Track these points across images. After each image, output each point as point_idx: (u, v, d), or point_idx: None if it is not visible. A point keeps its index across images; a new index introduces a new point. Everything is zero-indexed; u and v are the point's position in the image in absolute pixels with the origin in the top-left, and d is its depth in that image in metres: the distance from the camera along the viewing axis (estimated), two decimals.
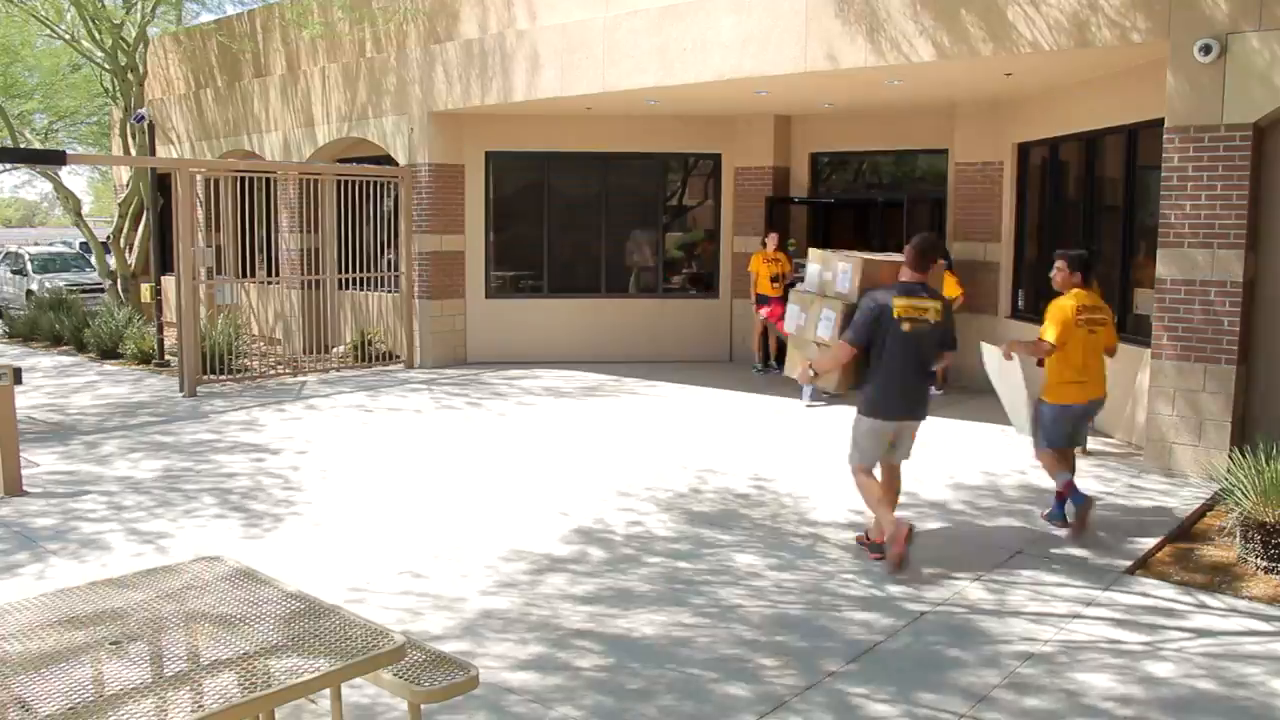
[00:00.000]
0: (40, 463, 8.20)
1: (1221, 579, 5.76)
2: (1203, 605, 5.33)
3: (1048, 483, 7.78)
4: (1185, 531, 6.66)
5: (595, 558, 5.96)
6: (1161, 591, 5.53)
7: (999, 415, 10.23)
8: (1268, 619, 5.15)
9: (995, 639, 4.86)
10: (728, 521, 6.68)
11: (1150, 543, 6.28)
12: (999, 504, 7.18)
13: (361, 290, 14.52)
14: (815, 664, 4.55)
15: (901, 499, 7.26)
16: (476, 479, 7.79)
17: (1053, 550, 6.17)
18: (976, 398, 11.27)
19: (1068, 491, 6.46)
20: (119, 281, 16.87)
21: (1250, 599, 5.44)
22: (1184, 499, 7.22)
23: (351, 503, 7.15)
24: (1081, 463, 8.36)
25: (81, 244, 23.96)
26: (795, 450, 8.70)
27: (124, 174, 18.85)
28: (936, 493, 7.45)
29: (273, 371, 13.03)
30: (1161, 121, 7.90)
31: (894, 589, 5.51)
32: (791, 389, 11.04)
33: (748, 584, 5.54)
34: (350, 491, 7.45)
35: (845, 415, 10.15)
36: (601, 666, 4.51)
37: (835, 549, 6.15)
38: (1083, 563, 5.94)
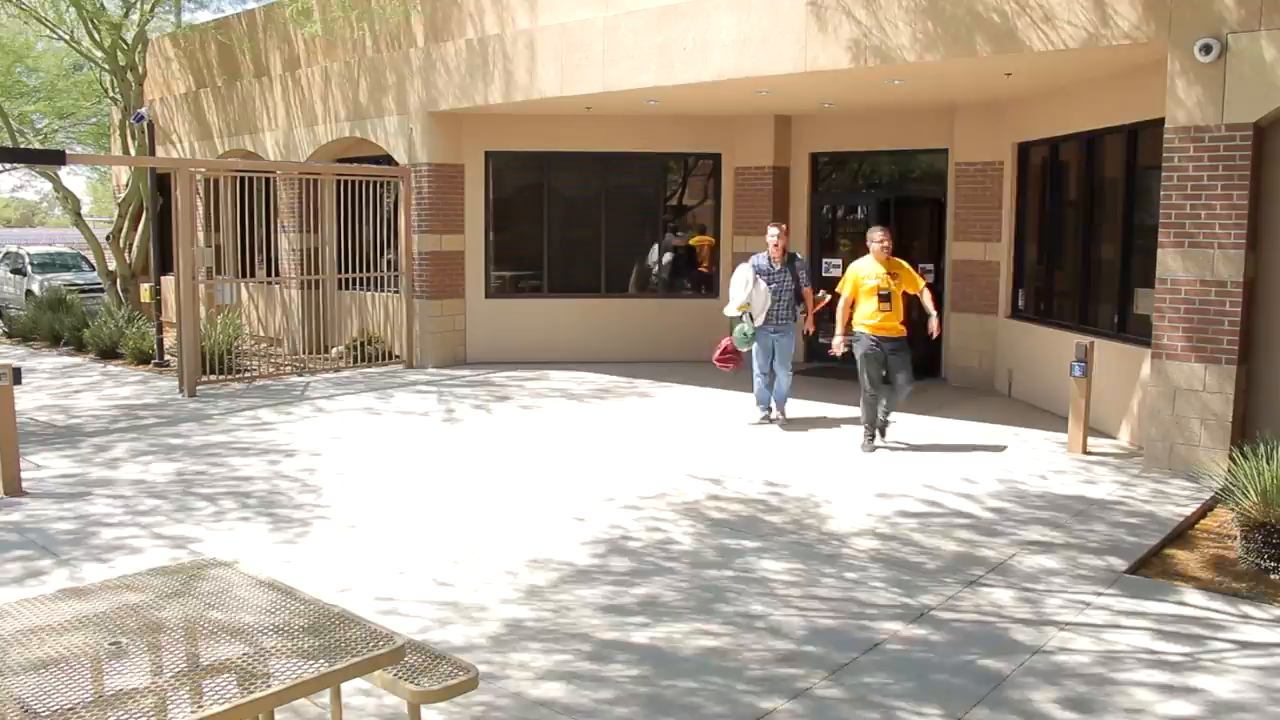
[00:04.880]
0: (51, 466, 8.13)
1: (1222, 579, 5.76)
2: (1203, 605, 5.32)
3: (1039, 479, 7.80)
4: (1186, 532, 6.66)
5: (618, 565, 5.89)
6: (1162, 592, 5.53)
7: (986, 414, 10.25)
8: (1268, 621, 5.15)
9: (1002, 639, 4.86)
10: (749, 528, 6.61)
11: (1151, 543, 6.28)
12: (994, 503, 7.18)
13: (361, 290, 14.52)
14: (849, 674, 4.49)
15: (898, 499, 7.28)
16: (494, 483, 7.69)
17: (1053, 550, 6.16)
18: (983, 396, 11.27)
19: None
20: (119, 281, 16.87)
21: (1250, 599, 5.43)
22: (1184, 499, 7.22)
23: (374, 507, 7.03)
24: (1082, 462, 8.36)
25: (74, 254, 23.89)
26: (813, 454, 8.67)
27: (124, 174, 18.85)
28: (933, 490, 7.45)
29: (274, 372, 13.03)
30: (1161, 121, 7.90)
31: (925, 598, 5.51)
32: (801, 391, 11.04)
33: (774, 592, 5.47)
34: (370, 495, 7.34)
35: (859, 418, 10.15)
36: (630, 678, 4.44)
37: (859, 555, 6.09)
38: (1084, 563, 5.93)
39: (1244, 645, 4.83)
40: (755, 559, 6.00)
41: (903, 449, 8.81)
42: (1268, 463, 6.04)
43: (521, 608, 5.23)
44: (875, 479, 7.82)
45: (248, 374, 12.65)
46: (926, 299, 8.77)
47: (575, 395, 11.46)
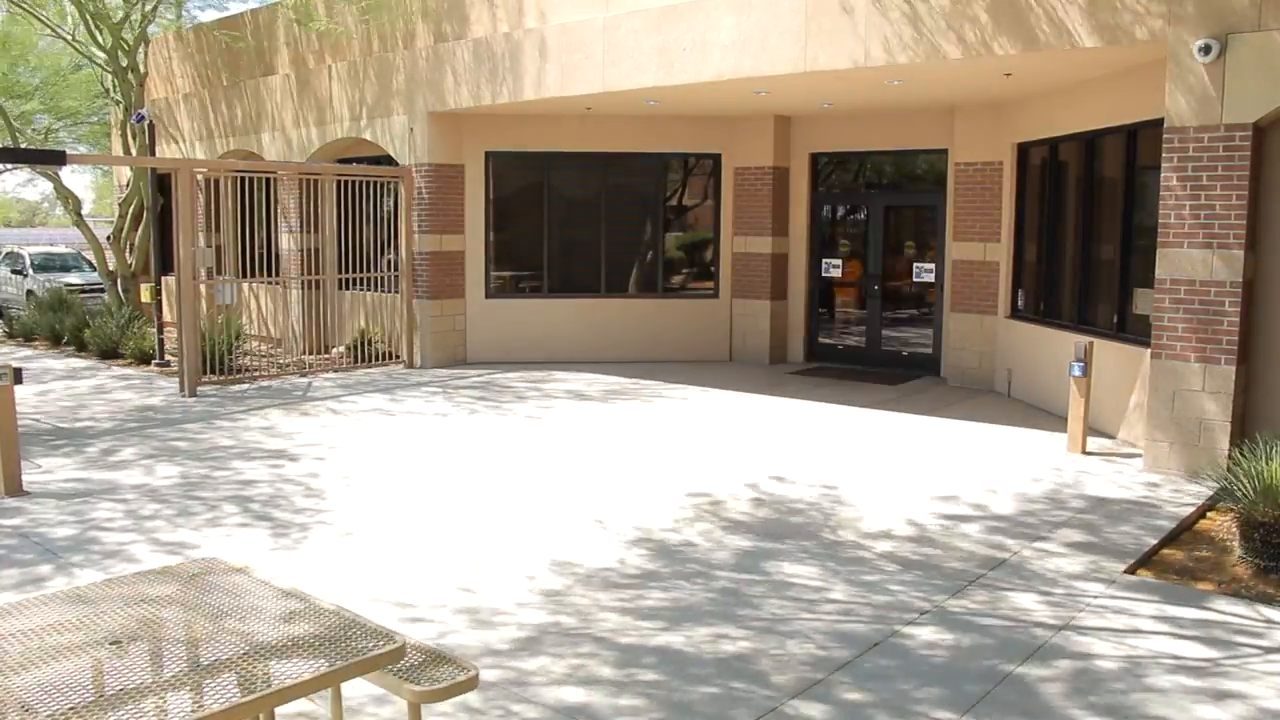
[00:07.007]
0: (54, 468, 8.11)
1: (1221, 578, 5.77)
2: (1203, 605, 5.33)
3: (1038, 479, 7.79)
4: (1185, 531, 6.67)
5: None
6: (1162, 591, 5.54)
7: (985, 414, 10.26)
8: (1266, 620, 5.16)
9: (1021, 641, 4.87)
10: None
11: (1150, 542, 6.29)
12: (993, 502, 7.18)
13: (362, 290, 14.53)
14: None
15: (899, 499, 7.29)
16: (507, 486, 7.60)
17: (1052, 550, 6.17)
18: (982, 396, 11.27)
19: None
20: (119, 281, 16.89)
21: (1249, 598, 5.44)
22: (1184, 499, 7.23)
23: (381, 511, 6.97)
24: (1081, 462, 8.37)
25: (74, 254, 23.90)
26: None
27: (125, 174, 18.86)
28: (929, 495, 7.46)
29: (276, 372, 13.03)
30: (1161, 121, 7.90)
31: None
32: (804, 391, 11.05)
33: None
34: (377, 499, 7.27)
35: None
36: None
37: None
38: (1084, 562, 5.94)
39: (1241, 644, 4.84)
40: (782, 563, 5.96)
41: (905, 449, 8.82)
42: (1267, 462, 6.05)
43: (540, 613, 5.20)
44: (880, 479, 7.84)
45: (249, 374, 12.66)
46: None
47: (588, 396, 11.40)
